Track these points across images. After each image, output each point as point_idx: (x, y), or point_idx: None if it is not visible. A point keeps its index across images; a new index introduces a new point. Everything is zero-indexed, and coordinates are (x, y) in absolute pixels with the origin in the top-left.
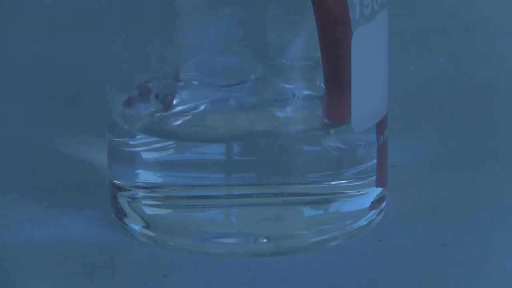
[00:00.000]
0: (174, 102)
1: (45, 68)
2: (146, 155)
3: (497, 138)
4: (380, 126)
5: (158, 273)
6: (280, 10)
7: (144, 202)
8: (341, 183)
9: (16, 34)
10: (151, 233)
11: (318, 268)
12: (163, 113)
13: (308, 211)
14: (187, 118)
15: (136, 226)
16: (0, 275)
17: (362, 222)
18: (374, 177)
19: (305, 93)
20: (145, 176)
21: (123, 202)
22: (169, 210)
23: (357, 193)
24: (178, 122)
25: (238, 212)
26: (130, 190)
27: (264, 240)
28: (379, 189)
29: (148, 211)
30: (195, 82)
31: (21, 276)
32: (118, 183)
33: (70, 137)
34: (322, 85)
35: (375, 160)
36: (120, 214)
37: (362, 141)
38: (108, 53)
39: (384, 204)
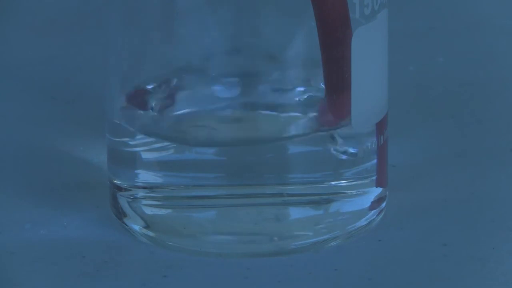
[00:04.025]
0: (174, 103)
1: (45, 68)
2: (146, 155)
3: (497, 138)
4: (380, 126)
5: (158, 273)
6: (280, 10)
7: (144, 202)
8: (341, 183)
9: (16, 34)
10: (151, 233)
11: (318, 268)
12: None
13: (308, 211)
14: (186, 118)
15: (136, 226)
16: (0, 275)
17: (362, 222)
18: (374, 177)
19: (305, 94)
20: (145, 176)
21: (123, 202)
22: (169, 210)
23: (357, 193)
24: (178, 122)
25: (238, 212)
26: (130, 190)
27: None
28: (379, 189)
29: (148, 211)
30: (195, 83)
31: (21, 276)
32: (118, 183)
33: (70, 137)
34: (322, 85)
35: (375, 160)
36: (120, 214)
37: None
38: (108, 53)
39: (384, 204)
